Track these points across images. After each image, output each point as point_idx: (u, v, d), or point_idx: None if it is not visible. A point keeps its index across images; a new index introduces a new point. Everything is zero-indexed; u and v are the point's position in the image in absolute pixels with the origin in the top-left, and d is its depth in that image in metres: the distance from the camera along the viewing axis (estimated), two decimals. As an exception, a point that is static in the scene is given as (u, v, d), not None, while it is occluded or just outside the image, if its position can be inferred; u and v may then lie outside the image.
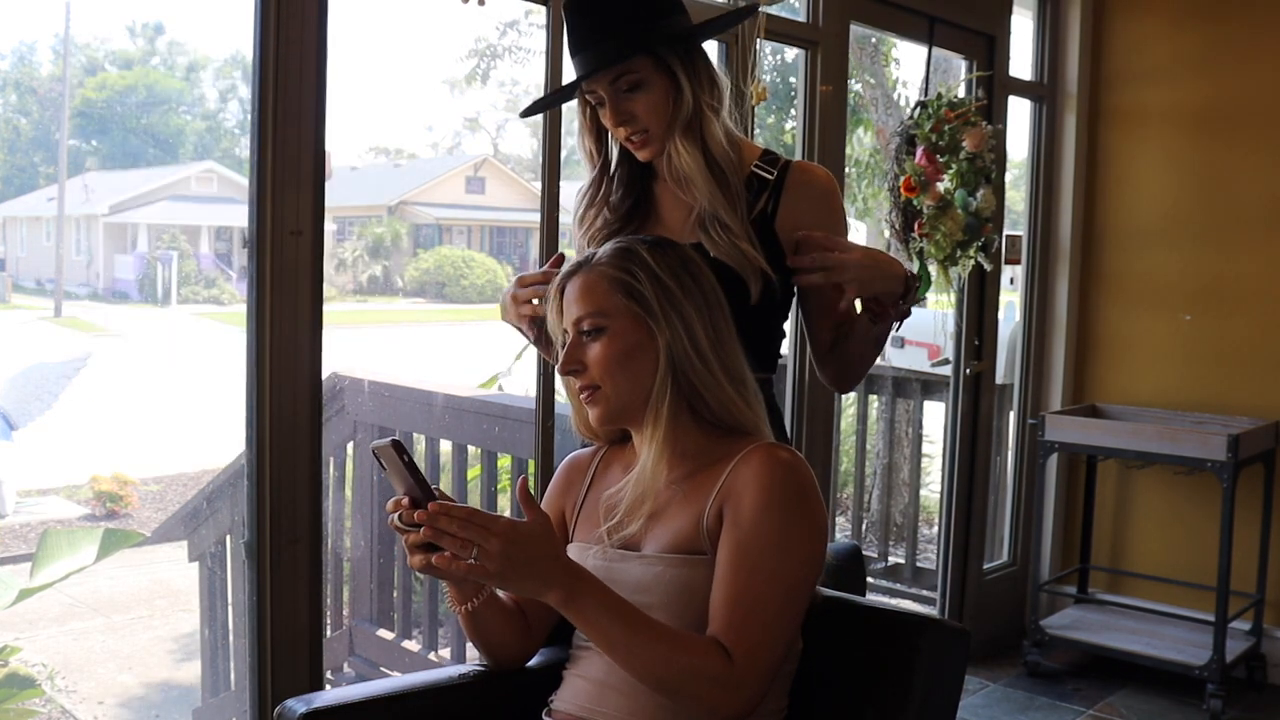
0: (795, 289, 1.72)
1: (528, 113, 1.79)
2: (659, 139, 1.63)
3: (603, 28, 1.59)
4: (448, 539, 1.19)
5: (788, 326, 1.82)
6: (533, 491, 1.34)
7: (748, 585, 1.29)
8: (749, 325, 1.52)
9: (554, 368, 1.48)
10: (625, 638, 1.25)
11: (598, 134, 1.70)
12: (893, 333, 1.79)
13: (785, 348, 2.29)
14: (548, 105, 1.84)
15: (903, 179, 3.10)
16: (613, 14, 1.59)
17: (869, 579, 4.12)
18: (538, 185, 2.39)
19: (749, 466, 1.34)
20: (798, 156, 2.98)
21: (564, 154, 2.42)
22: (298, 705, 1.41)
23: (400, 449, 1.25)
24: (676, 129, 1.62)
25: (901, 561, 4.62)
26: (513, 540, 1.20)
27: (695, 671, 1.25)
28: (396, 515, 1.26)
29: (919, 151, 3.10)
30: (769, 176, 1.67)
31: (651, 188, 1.73)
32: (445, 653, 3.44)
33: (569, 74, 1.70)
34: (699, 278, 1.42)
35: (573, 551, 1.45)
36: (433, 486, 1.26)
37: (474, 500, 3.47)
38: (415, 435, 3.63)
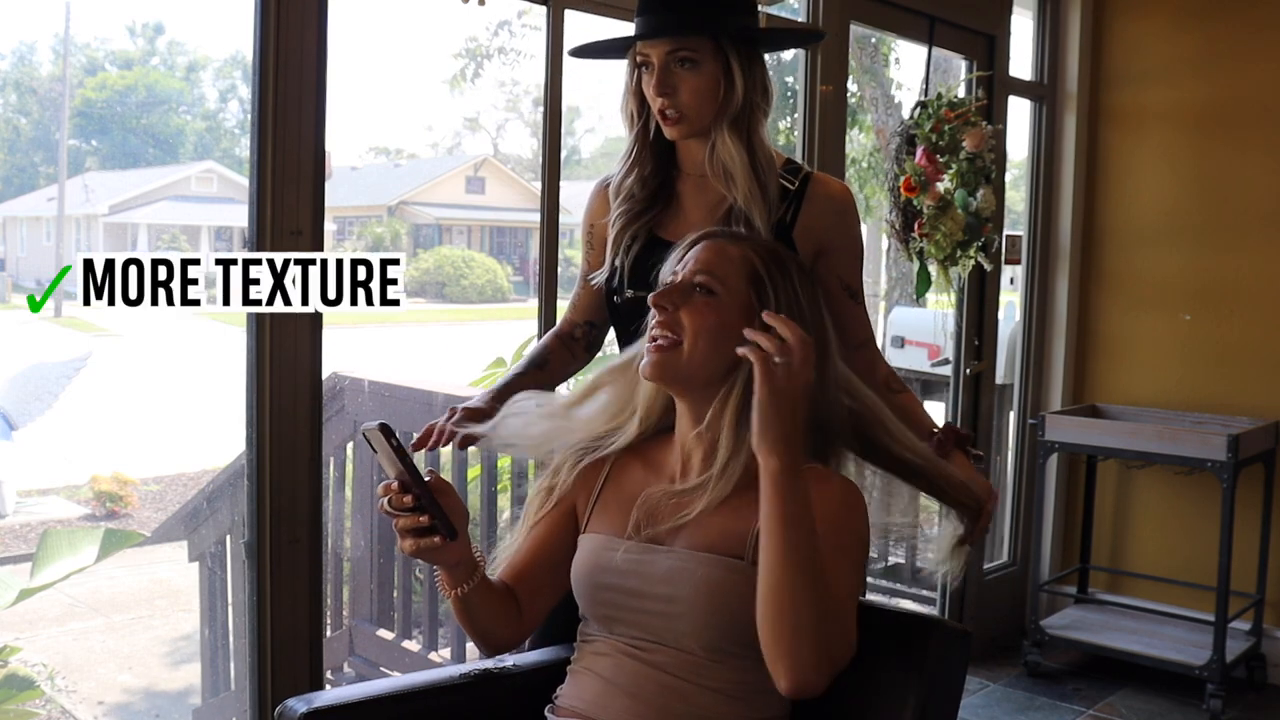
0: None
1: (578, 53, 1.79)
2: (691, 121, 1.63)
3: None
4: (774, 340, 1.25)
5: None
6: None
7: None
8: None
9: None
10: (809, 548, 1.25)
11: (641, 97, 1.69)
12: None
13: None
14: (600, 54, 1.81)
15: (903, 179, 3.11)
16: None
17: (869, 579, 4.12)
18: (538, 185, 2.39)
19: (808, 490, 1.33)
20: (798, 156, 2.99)
21: (564, 154, 2.42)
22: (298, 705, 1.41)
23: (389, 432, 1.24)
24: (725, 121, 1.63)
25: (901, 561, 4.62)
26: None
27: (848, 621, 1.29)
28: (387, 500, 1.27)
29: (919, 151, 3.10)
30: (790, 186, 1.69)
31: (674, 181, 1.73)
32: (445, 653, 3.44)
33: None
34: (817, 318, 1.42)
35: (596, 543, 1.44)
36: (427, 470, 1.26)
37: (473, 501, 3.47)
38: (415, 435, 3.61)
